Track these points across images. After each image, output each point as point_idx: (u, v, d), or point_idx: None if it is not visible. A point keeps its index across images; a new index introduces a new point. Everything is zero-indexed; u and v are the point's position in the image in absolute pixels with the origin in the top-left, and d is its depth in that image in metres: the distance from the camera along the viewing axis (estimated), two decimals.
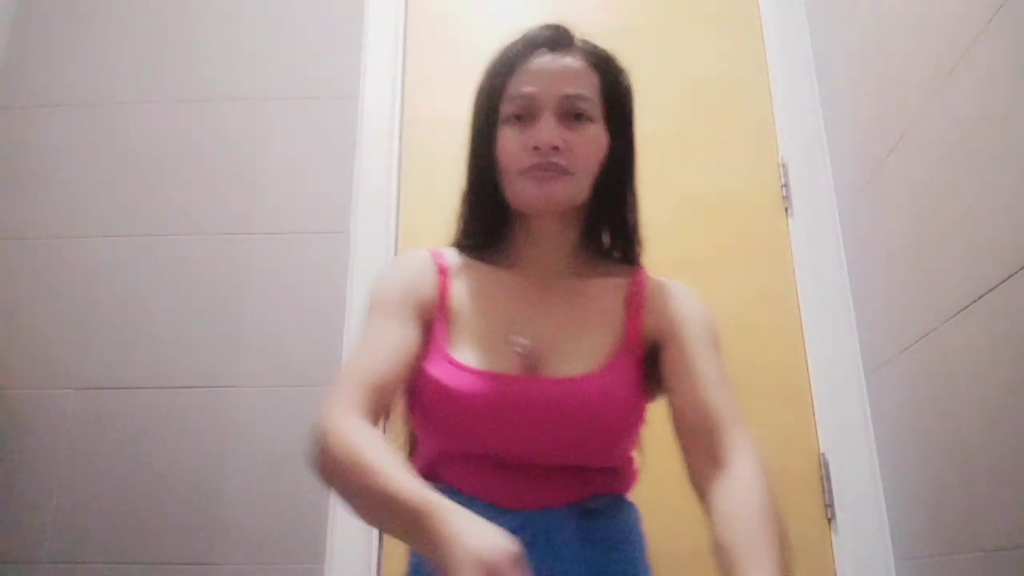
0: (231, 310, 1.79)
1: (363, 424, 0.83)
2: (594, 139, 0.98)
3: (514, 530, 0.86)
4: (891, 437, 1.57)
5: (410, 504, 0.71)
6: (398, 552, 1.64)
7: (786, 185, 1.88)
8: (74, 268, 1.84)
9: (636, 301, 0.98)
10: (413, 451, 1.04)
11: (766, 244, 1.85)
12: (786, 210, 1.87)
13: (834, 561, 1.61)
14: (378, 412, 0.88)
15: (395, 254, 1.85)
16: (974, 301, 1.22)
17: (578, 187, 0.97)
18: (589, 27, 2.12)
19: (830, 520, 1.63)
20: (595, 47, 1.04)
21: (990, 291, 1.17)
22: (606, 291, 1.00)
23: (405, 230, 1.88)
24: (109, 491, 1.66)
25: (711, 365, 0.93)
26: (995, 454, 1.18)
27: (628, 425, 0.93)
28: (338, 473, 0.79)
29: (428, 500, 0.71)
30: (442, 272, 1.00)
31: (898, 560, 1.54)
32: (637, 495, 1.81)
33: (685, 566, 1.61)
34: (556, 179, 0.94)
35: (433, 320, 0.97)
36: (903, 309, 1.49)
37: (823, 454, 1.67)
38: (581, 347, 0.94)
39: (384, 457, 0.77)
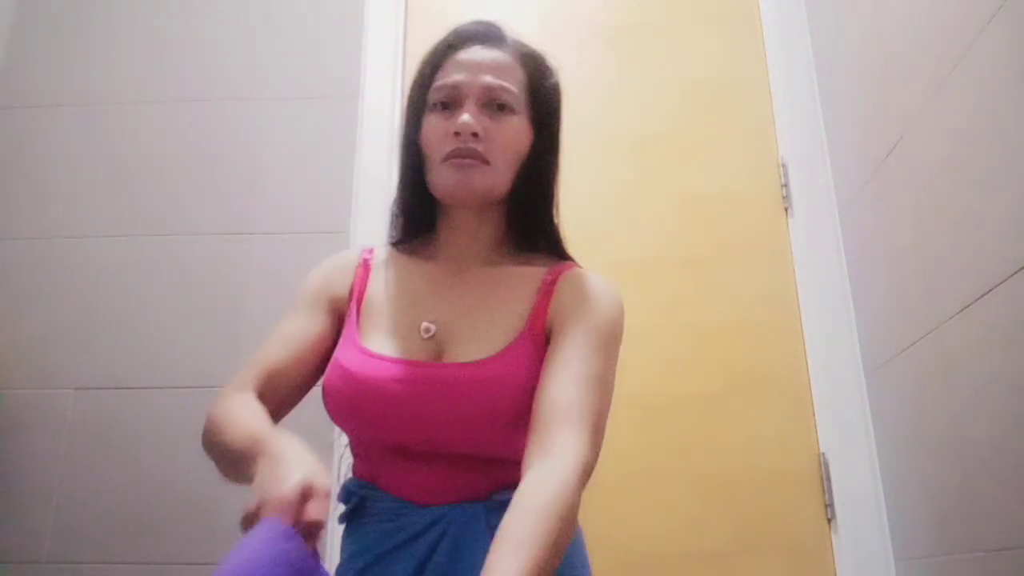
0: (231, 310, 1.79)
1: (244, 397, 0.89)
2: (515, 130, 0.98)
3: (426, 526, 0.87)
4: (891, 437, 1.57)
5: (252, 438, 0.77)
6: None
7: (786, 185, 1.88)
8: (74, 268, 1.84)
9: (547, 290, 0.98)
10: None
11: (766, 244, 1.85)
12: (786, 210, 1.87)
13: (834, 561, 1.61)
14: (267, 394, 0.92)
15: None
16: (974, 301, 1.22)
17: (496, 178, 0.97)
18: (589, 27, 2.14)
19: (830, 520, 1.63)
20: (525, 45, 1.04)
21: (990, 291, 1.17)
22: (521, 279, 1.00)
23: None
24: (109, 491, 1.66)
25: (578, 361, 0.89)
26: (995, 454, 1.18)
27: (527, 412, 0.88)
28: (207, 439, 0.85)
29: (265, 431, 0.77)
30: (364, 266, 1.04)
31: (898, 560, 1.54)
32: (637, 498, 1.81)
33: (685, 567, 1.61)
34: (474, 168, 0.95)
35: (348, 313, 1.00)
36: (903, 309, 1.49)
37: (823, 454, 1.67)
38: (484, 333, 0.94)
39: (241, 413, 0.82)
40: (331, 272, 1.04)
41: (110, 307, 1.80)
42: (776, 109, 1.94)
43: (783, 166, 1.90)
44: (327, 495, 0.70)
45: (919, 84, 1.39)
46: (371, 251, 1.07)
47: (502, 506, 0.86)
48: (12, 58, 2.03)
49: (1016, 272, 1.11)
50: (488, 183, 0.97)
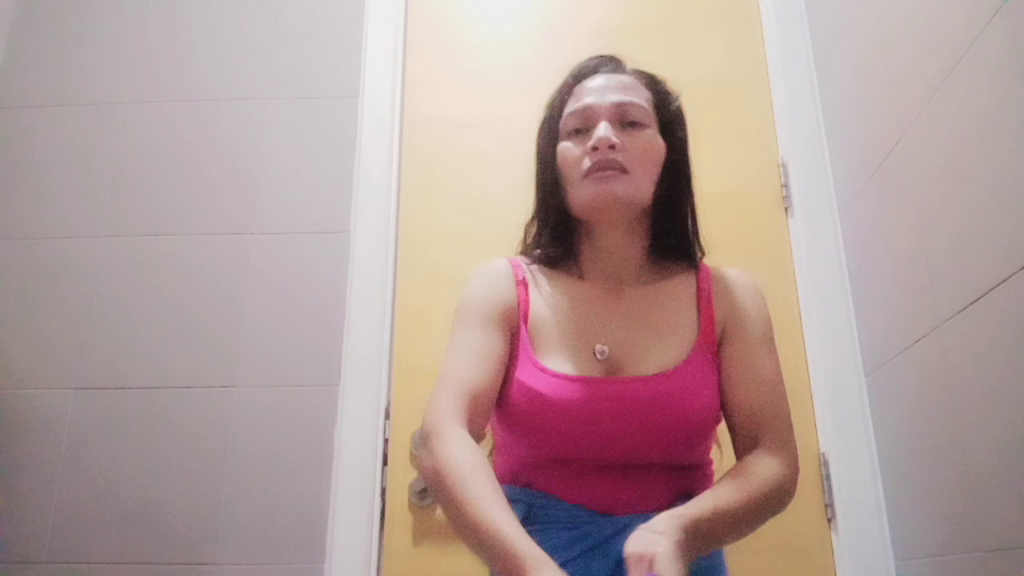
0: (231, 310, 1.79)
1: (465, 438, 0.87)
2: (650, 141, 1.01)
3: (611, 535, 0.89)
4: (891, 437, 1.57)
5: (510, 551, 0.75)
6: (398, 552, 1.64)
7: (786, 185, 1.88)
8: (74, 268, 1.84)
9: (706, 297, 1.02)
10: (491, 453, 1.07)
11: (766, 244, 1.84)
12: (786, 210, 1.87)
13: (834, 561, 1.61)
14: (476, 419, 0.92)
15: (395, 254, 1.85)
16: (974, 301, 1.22)
17: (636, 186, 0.99)
18: (589, 27, 2.13)
19: (830, 520, 1.63)
20: (646, 71, 1.09)
21: (990, 291, 1.17)
22: (676, 291, 1.03)
23: (405, 230, 1.88)
24: (109, 491, 1.66)
25: (764, 367, 0.98)
26: (995, 454, 1.18)
27: (711, 417, 0.96)
28: (441, 490, 0.84)
29: (527, 553, 0.75)
30: (522, 284, 1.04)
31: (898, 560, 1.54)
32: None
33: None
34: (615, 178, 0.97)
35: (518, 329, 1.00)
36: (903, 309, 1.49)
37: (823, 454, 1.67)
38: (659, 347, 0.97)
39: (484, 487, 0.81)
40: (496, 285, 1.04)
41: (110, 307, 1.80)
42: (776, 109, 1.94)
43: (783, 166, 1.90)
44: None
45: (919, 84, 1.39)
46: (519, 265, 1.07)
47: None
48: (12, 58, 2.03)
49: (1016, 272, 1.11)
50: (630, 191, 0.98)
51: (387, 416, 1.72)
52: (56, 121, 1.97)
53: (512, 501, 0.94)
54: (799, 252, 1.81)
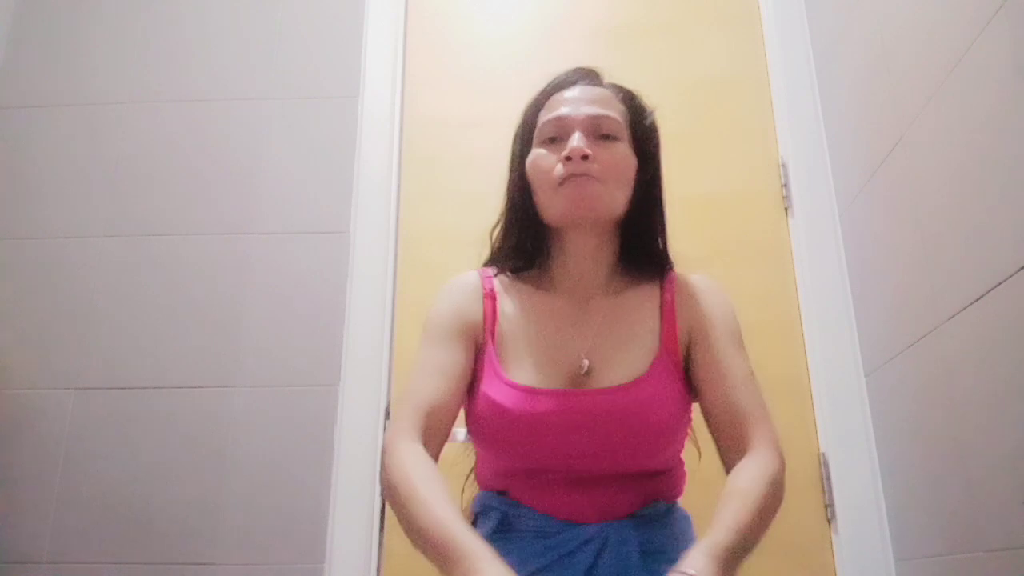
0: (231, 310, 1.79)
1: (417, 451, 0.88)
2: (622, 154, 1.02)
3: (580, 544, 0.91)
4: (891, 437, 1.57)
5: (453, 544, 0.76)
6: (398, 552, 1.64)
7: (786, 185, 1.88)
8: (74, 268, 1.84)
9: (669, 306, 1.03)
10: (475, 464, 1.09)
11: (766, 244, 1.85)
12: (786, 210, 1.87)
13: (834, 561, 1.61)
14: (433, 434, 0.93)
15: (395, 254, 1.85)
16: (974, 301, 1.22)
17: (610, 196, 1.00)
18: (589, 26, 2.13)
19: (830, 520, 1.63)
20: (623, 86, 1.10)
21: (990, 291, 1.17)
22: (641, 302, 1.04)
23: (405, 230, 1.88)
24: (109, 491, 1.66)
25: (736, 364, 0.99)
26: (995, 454, 1.18)
27: (676, 425, 0.97)
28: (394, 500, 0.85)
29: (469, 547, 0.75)
30: (489, 296, 1.05)
31: (898, 560, 1.54)
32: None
33: None
34: (588, 184, 0.98)
35: (484, 342, 1.01)
36: (903, 309, 1.49)
37: (823, 454, 1.67)
38: (624, 357, 0.98)
39: (432, 491, 0.82)
40: (461, 300, 1.05)
41: (110, 307, 1.80)
42: (776, 109, 1.94)
43: (783, 166, 1.90)
44: None
45: (919, 84, 1.39)
46: (488, 277, 1.09)
47: (649, 520, 0.94)
48: (12, 58, 2.03)
49: (1016, 272, 1.11)
50: (603, 200, 0.99)
51: (387, 416, 1.72)
52: (55, 121, 1.97)
53: (489, 508, 0.98)
54: (799, 252, 1.81)
